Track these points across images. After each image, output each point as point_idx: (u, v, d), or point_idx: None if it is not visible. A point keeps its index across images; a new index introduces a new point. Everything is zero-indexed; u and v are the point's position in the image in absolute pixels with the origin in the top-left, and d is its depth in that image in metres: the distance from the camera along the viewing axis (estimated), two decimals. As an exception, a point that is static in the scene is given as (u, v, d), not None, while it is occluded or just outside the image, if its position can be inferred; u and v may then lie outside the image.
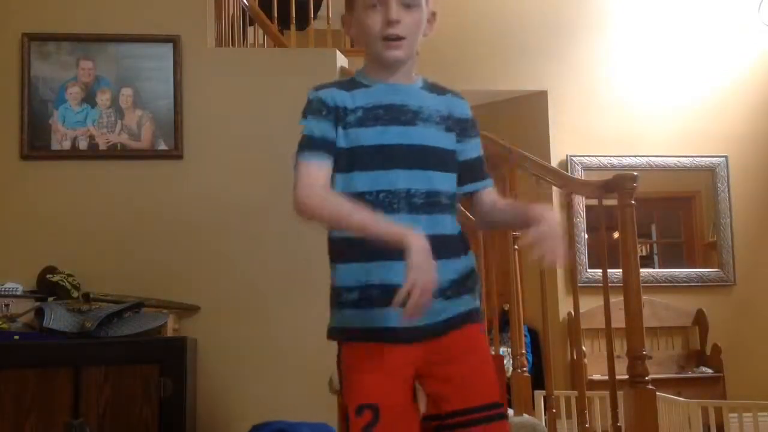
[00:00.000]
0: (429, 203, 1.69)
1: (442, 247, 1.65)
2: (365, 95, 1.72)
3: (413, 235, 1.54)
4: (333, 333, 1.77)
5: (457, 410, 1.67)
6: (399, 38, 1.67)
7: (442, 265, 1.60)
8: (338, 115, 1.71)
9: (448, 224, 1.72)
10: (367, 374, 1.67)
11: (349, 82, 1.76)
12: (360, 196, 1.67)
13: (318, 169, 1.73)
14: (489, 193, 1.83)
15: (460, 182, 1.78)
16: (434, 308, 1.61)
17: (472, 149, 1.80)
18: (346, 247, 1.72)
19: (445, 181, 1.72)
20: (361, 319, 1.69)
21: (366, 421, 1.63)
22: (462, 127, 1.78)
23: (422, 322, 1.60)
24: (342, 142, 1.70)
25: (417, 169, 1.69)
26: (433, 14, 1.75)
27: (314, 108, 1.73)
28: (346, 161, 1.70)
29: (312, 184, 1.75)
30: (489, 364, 1.76)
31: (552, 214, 1.67)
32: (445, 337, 1.69)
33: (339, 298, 1.74)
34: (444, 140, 1.75)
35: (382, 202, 1.66)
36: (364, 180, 1.68)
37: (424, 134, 1.72)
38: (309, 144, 1.75)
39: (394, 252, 1.54)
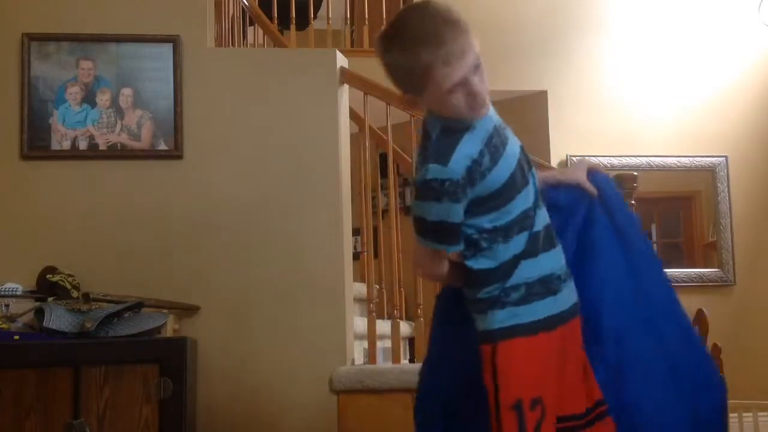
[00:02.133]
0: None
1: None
2: (476, 135, 1.80)
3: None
4: (501, 333, 1.83)
5: (571, 414, 1.84)
6: (484, 101, 1.77)
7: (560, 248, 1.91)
8: (471, 175, 1.77)
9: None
10: (537, 365, 1.80)
11: (453, 131, 1.80)
12: (522, 217, 1.84)
13: (446, 255, 1.89)
14: None
15: None
16: (571, 289, 1.89)
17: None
18: (497, 273, 1.85)
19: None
20: (532, 311, 1.82)
21: (537, 417, 1.75)
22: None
23: (566, 305, 1.86)
24: (491, 186, 1.80)
25: (532, 170, 1.93)
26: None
27: (447, 191, 1.75)
28: (505, 197, 1.82)
29: (443, 268, 1.91)
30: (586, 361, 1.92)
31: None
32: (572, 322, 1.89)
33: (498, 300, 1.83)
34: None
35: (529, 213, 1.87)
36: (521, 202, 1.84)
37: (514, 142, 1.90)
38: (452, 232, 1.82)
39: (539, 248, 1.85)
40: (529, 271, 1.84)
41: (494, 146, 1.81)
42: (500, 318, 1.82)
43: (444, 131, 1.80)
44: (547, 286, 1.84)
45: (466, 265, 1.85)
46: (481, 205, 1.80)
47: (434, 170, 1.74)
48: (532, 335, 1.81)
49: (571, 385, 1.85)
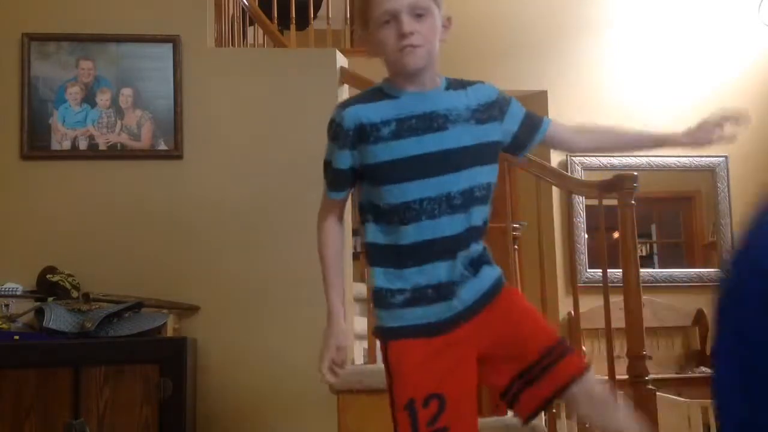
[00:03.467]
0: (466, 201, 1.80)
1: (475, 235, 1.82)
2: (395, 107, 1.80)
3: (334, 316, 1.81)
4: (382, 332, 1.84)
5: (520, 372, 1.79)
6: (414, 47, 1.75)
7: (471, 250, 1.81)
8: (363, 133, 1.79)
9: (483, 214, 1.84)
10: (426, 365, 1.76)
11: (376, 93, 1.85)
12: (407, 207, 1.78)
13: (332, 203, 1.91)
14: (554, 131, 1.97)
15: (521, 146, 1.93)
16: (469, 289, 1.79)
17: (512, 121, 1.92)
18: (386, 253, 1.83)
19: (481, 175, 1.82)
20: (411, 316, 1.79)
21: (432, 412, 1.73)
22: (497, 109, 1.89)
23: (455, 310, 1.78)
24: (380, 156, 1.79)
25: (453, 173, 1.78)
26: (448, 19, 1.84)
27: (334, 134, 1.83)
28: (391, 174, 1.79)
29: (324, 215, 1.92)
30: (532, 312, 1.89)
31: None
32: (483, 314, 1.81)
33: (385, 299, 1.83)
34: (479, 134, 1.84)
35: (426, 209, 1.78)
36: (410, 190, 1.78)
37: (456, 136, 1.80)
38: (332, 178, 1.88)
39: (433, 256, 1.76)
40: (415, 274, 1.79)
41: (410, 127, 1.78)
42: (385, 317, 1.82)
43: (374, 89, 1.87)
44: (438, 292, 1.78)
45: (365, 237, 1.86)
46: (372, 172, 1.81)
47: (335, 111, 1.84)
48: (414, 338, 1.78)
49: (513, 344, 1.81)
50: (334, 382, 1.81)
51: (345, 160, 1.83)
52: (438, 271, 1.78)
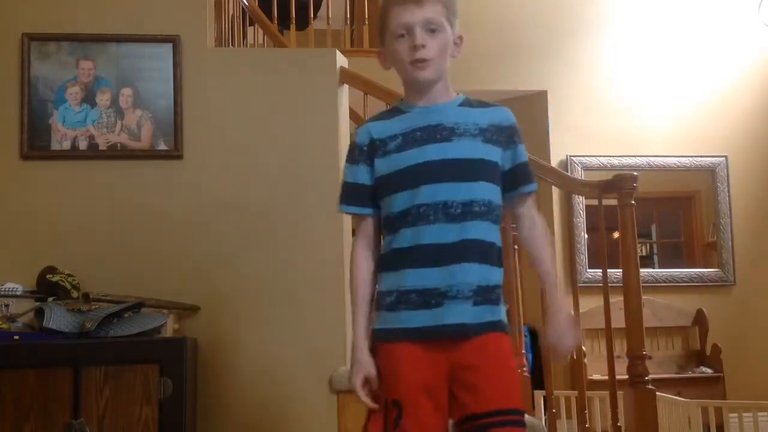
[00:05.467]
0: (465, 212, 1.81)
1: (473, 250, 1.81)
2: (403, 121, 1.88)
3: (357, 350, 1.84)
4: (372, 335, 1.88)
5: (472, 414, 1.79)
6: (425, 60, 1.83)
7: (470, 268, 1.79)
8: (374, 148, 1.88)
9: (482, 231, 1.83)
10: (399, 371, 1.80)
11: (391, 111, 1.95)
12: (405, 213, 1.82)
13: (355, 224, 1.98)
14: (523, 204, 1.94)
15: (504, 191, 1.89)
16: (462, 310, 1.78)
17: (510, 156, 1.90)
18: (386, 259, 1.87)
19: (481, 190, 1.83)
20: (394, 319, 1.83)
21: (395, 415, 1.80)
22: (506, 135, 1.90)
23: (450, 320, 1.78)
24: (385, 169, 1.87)
25: (452, 182, 1.82)
26: (460, 37, 1.91)
27: (351, 152, 1.93)
28: (393, 184, 1.85)
29: (354, 241, 1.95)
30: (510, 371, 1.86)
31: (562, 316, 1.89)
32: (468, 342, 1.80)
33: (378, 302, 1.88)
34: (482, 151, 1.86)
35: (422, 215, 1.81)
36: (407, 197, 1.82)
37: (459, 148, 1.84)
38: (345, 192, 1.93)
39: (425, 261, 1.78)
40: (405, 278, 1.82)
41: (414, 139, 1.85)
42: (376, 319, 1.86)
43: (392, 107, 1.96)
44: (423, 297, 1.79)
45: None
46: (381, 185, 1.87)
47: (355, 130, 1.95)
48: (396, 342, 1.81)
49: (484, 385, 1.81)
50: (375, 407, 1.86)
51: (357, 174, 1.89)
52: (427, 277, 1.79)
